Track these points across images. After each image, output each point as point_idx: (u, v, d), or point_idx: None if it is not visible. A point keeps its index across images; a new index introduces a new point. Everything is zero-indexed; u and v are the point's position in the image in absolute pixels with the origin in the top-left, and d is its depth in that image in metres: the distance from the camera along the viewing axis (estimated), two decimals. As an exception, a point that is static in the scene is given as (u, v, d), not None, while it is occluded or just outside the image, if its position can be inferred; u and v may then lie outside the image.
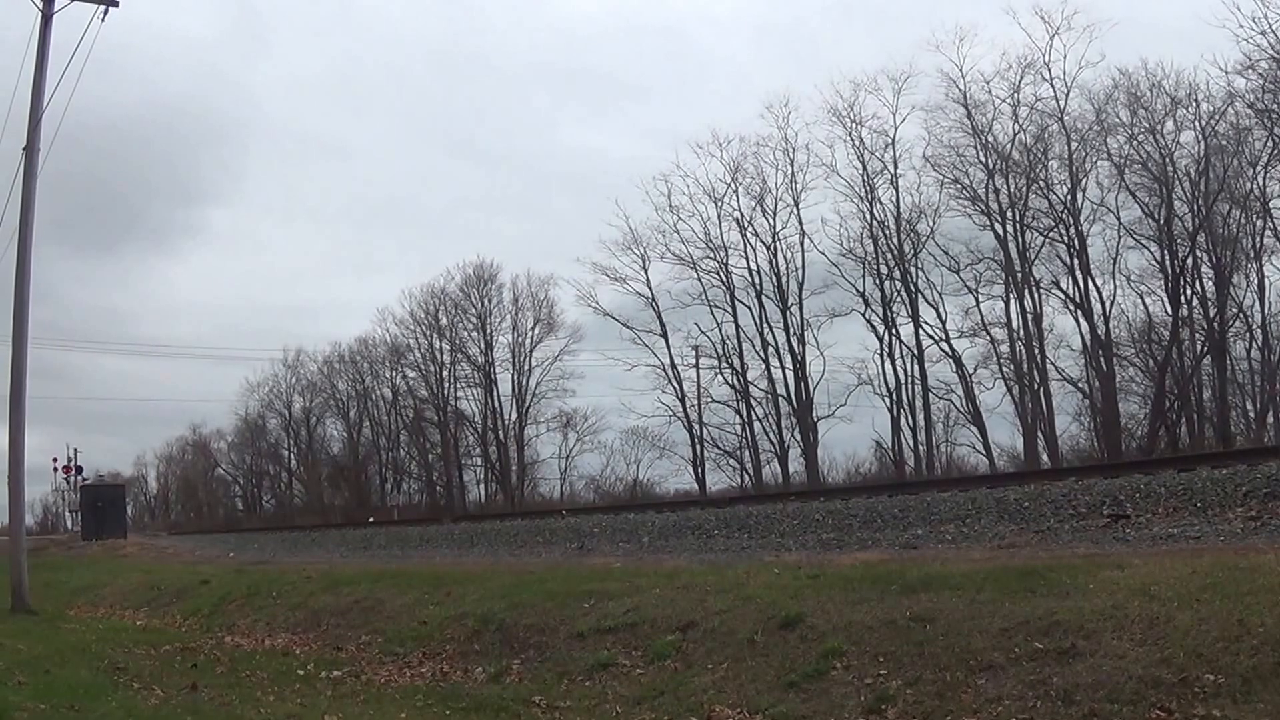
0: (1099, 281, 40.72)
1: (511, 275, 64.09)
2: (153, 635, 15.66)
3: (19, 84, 21.18)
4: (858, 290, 45.95)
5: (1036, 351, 42.14)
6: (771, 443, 49.29)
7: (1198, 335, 38.96)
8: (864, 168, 45.64)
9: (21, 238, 19.83)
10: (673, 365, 51.60)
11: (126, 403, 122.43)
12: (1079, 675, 6.86)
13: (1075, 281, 40.96)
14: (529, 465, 62.11)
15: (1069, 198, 40.75)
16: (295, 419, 78.90)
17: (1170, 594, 7.47)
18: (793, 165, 47.56)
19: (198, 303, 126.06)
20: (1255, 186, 37.24)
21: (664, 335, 51.28)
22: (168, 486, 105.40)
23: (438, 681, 10.88)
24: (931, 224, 44.36)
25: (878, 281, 45.43)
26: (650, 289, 51.07)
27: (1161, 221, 38.43)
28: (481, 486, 64.57)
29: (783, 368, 48.30)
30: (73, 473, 67.11)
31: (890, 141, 45.18)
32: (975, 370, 44.53)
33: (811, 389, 47.68)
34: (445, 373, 63.79)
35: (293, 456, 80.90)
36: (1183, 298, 38.58)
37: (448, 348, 63.39)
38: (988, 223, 42.30)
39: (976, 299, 43.64)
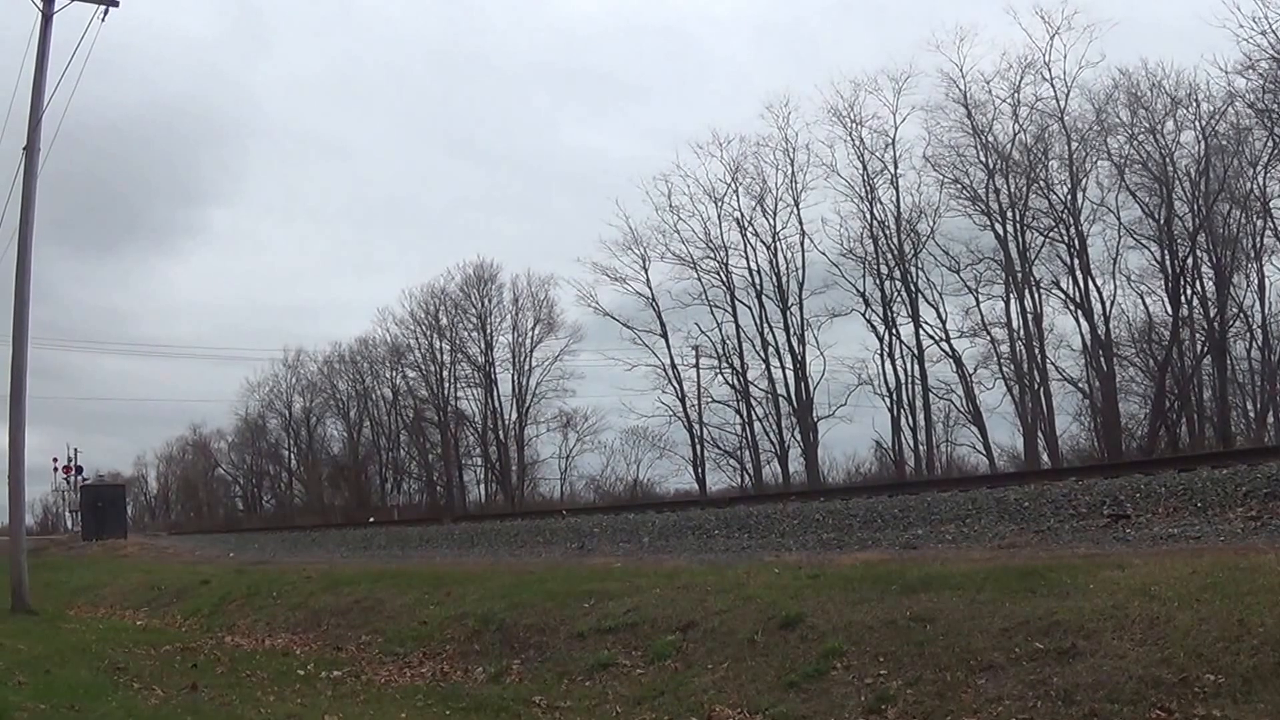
0: (1099, 281, 40.80)
1: (512, 275, 64.22)
2: (153, 635, 15.66)
3: (19, 84, 21.21)
4: (858, 290, 46.03)
5: (1037, 351, 42.14)
6: (771, 443, 49.35)
7: (1198, 335, 38.96)
8: (864, 168, 45.70)
9: (22, 238, 19.83)
10: (673, 365, 51.69)
11: (127, 403, 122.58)
12: (1079, 675, 6.86)
13: (1075, 281, 41.01)
14: (529, 465, 62.18)
15: (1069, 198, 40.78)
16: (295, 419, 78.98)
17: (1170, 594, 7.46)
18: (793, 165, 47.63)
19: (198, 303, 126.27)
20: (1255, 186, 37.27)
21: (664, 335, 51.36)
22: (168, 486, 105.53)
23: (438, 681, 10.88)
24: (932, 224, 44.44)
25: (878, 281, 45.49)
26: (650, 289, 51.16)
27: (1162, 221, 38.42)
28: (482, 486, 64.68)
29: (783, 368, 48.38)
30: (73, 473, 67.14)
31: (890, 141, 45.25)
32: (975, 370, 44.61)
33: (812, 389, 47.75)
34: (445, 373, 63.86)
35: (293, 456, 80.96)
36: (1183, 298, 38.59)
37: (448, 348, 63.46)
38: (988, 223, 42.34)
39: (977, 299, 43.72)
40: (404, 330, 65.71)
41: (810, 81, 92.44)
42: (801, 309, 47.69)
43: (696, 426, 51.72)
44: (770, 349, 48.50)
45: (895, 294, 45.34)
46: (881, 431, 47.06)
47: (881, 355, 45.93)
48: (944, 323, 44.57)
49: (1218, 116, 36.95)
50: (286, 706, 9.54)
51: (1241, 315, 38.87)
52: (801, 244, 47.60)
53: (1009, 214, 42.02)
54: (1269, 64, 33.46)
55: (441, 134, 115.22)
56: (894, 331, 45.58)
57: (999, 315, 43.22)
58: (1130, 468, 15.98)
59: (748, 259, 48.80)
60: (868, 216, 45.58)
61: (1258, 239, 38.39)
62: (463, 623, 12.56)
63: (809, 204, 48.32)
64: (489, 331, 61.41)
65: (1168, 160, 38.06)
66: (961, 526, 13.48)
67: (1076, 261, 40.76)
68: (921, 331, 44.86)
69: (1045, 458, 39.90)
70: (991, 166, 42.12)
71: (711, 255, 49.31)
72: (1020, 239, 42.08)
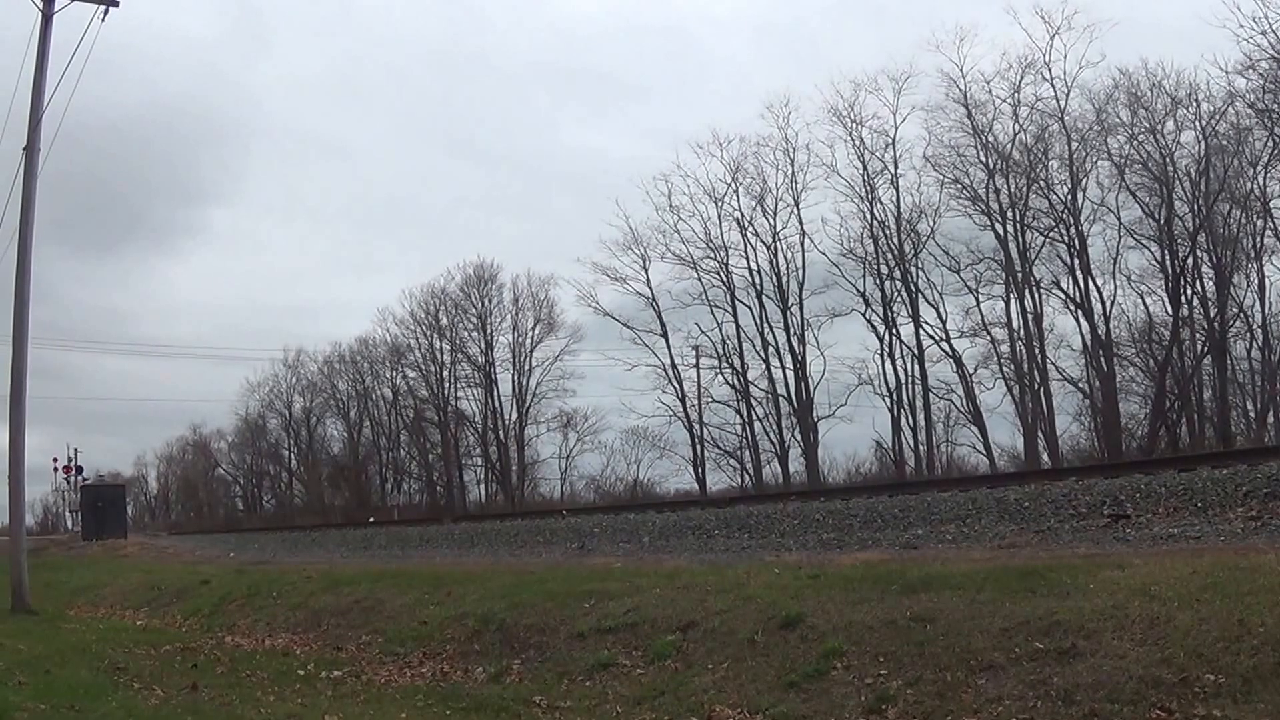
0: (1099, 281, 40.80)
1: (512, 275, 64.19)
2: (153, 635, 15.66)
3: (19, 84, 21.21)
4: (858, 290, 46.02)
5: (1037, 351, 42.14)
6: (772, 443, 49.33)
7: (1198, 335, 38.96)
8: (864, 168, 45.69)
9: (22, 238, 19.83)
10: (673, 365, 51.67)
11: (127, 403, 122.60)
12: (1079, 675, 6.86)
13: (1075, 281, 41.01)
14: (529, 465, 62.16)
15: (1069, 198, 40.77)
16: (295, 419, 78.97)
17: (1171, 594, 7.46)
18: (793, 165, 47.61)
19: (198, 303, 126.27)
20: (1255, 186, 37.26)
21: (664, 335, 51.34)
22: (168, 486, 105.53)
23: (438, 681, 10.88)
24: (932, 224, 44.43)
25: (878, 281, 45.48)
26: (650, 289, 51.14)
27: (1162, 221, 38.42)
28: (482, 486, 64.67)
29: (783, 368, 48.36)
30: (73, 473, 67.14)
31: (890, 141, 45.23)
32: (975, 370, 44.59)
33: (812, 389, 47.74)
34: (445, 373, 63.84)
35: (293, 456, 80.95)
36: (1183, 298, 38.58)
37: (448, 348, 63.44)
38: (988, 223, 42.33)
39: (977, 299, 43.71)
40: (404, 330, 65.80)
41: (810, 81, 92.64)
42: (802, 309, 47.78)
43: (696, 426, 51.80)
44: (770, 349, 48.55)
45: (895, 294, 45.40)
46: (882, 431, 47.14)
47: (882, 355, 46.00)
48: (944, 323, 44.64)
49: (1218, 116, 36.99)
50: (287, 706, 9.54)
51: (1242, 315, 38.90)
52: (801, 244, 47.68)
53: (1009, 214, 42.04)
54: (1269, 64, 33.49)
55: (442, 134, 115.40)
56: (894, 331, 45.63)
57: (999, 315, 43.30)
58: (1130, 468, 15.98)
59: (748, 259, 48.88)
60: (868, 216, 45.66)
61: (1258, 239, 38.44)
62: (463, 623, 12.56)
63: (809, 204, 48.40)
64: (489, 331, 61.49)
65: (1168, 160, 38.07)
66: (962, 526, 13.47)
67: (1077, 261, 40.80)
68: (922, 331, 44.94)
69: (1045, 458, 39.89)
70: (992, 166, 42.15)
71: (711, 255, 49.38)
72: (1020, 239, 42.11)
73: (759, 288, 48.39)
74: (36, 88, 19.88)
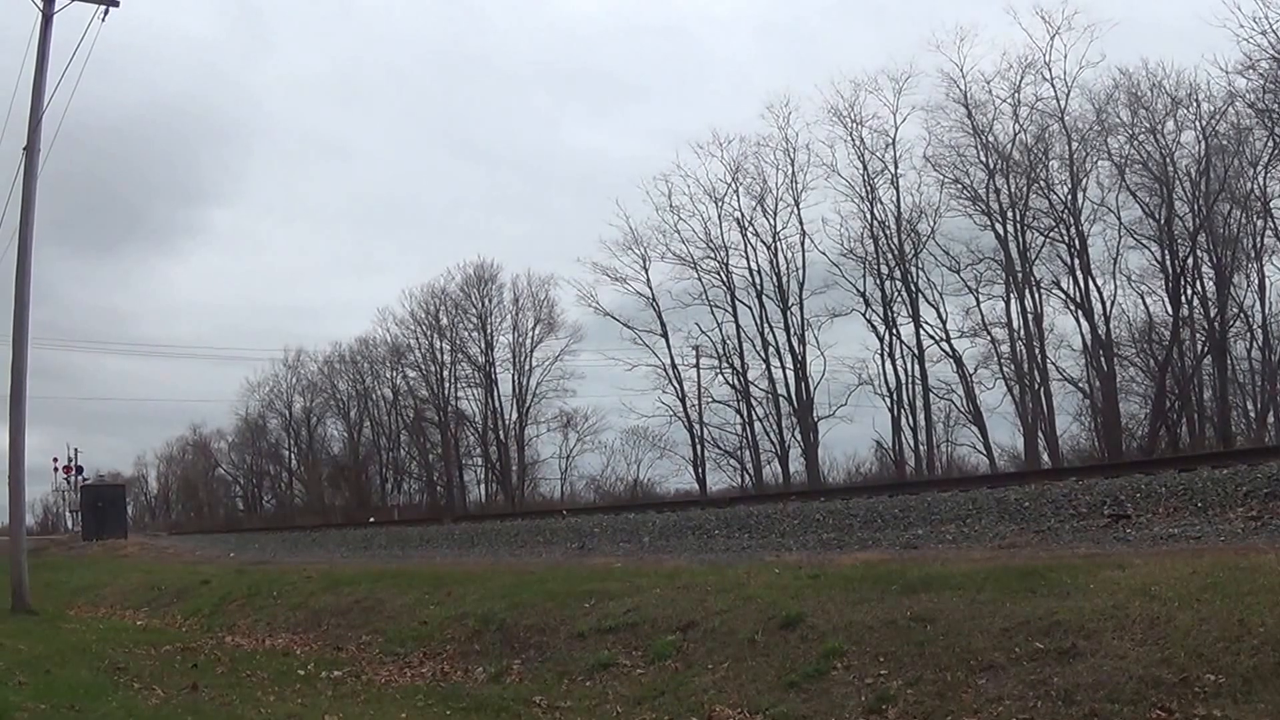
0: (1099, 281, 40.80)
1: (512, 275, 64.12)
2: (153, 635, 15.66)
3: (19, 84, 21.22)
4: (858, 290, 46.03)
5: (1037, 351, 42.14)
6: (772, 443, 49.34)
7: (1198, 335, 38.95)
8: (864, 168, 45.70)
9: (22, 238, 19.83)
10: (673, 365, 51.68)
11: (127, 403, 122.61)
12: (1079, 675, 6.86)
13: (1076, 281, 41.01)
14: (529, 465, 62.16)
15: (1069, 197, 40.78)
16: (296, 419, 78.96)
17: (1171, 594, 7.46)
18: (793, 165, 47.63)
19: (198, 303, 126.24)
20: (1256, 186, 37.26)
21: (664, 335, 51.35)
22: (168, 486, 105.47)
23: (438, 681, 10.88)
24: (932, 224, 44.44)
25: (878, 281, 45.48)
26: (651, 289, 51.16)
27: (1162, 221, 38.42)
28: (482, 486, 64.67)
29: (783, 368, 48.37)
30: (73, 473, 67.15)
31: (891, 141, 45.25)
32: (976, 370, 44.60)
33: (812, 389, 47.75)
34: (446, 373, 63.84)
35: (293, 456, 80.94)
36: (1183, 298, 38.58)
37: (448, 348, 63.45)
38: (988, 223, 42.33)
39: (977, 299, 43.71)
40: (404, 330, 65.81)
41: (811, 81, 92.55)
42: (802, 309, 47.79)
43: (697, 426, 51.79)
44: (770, 349, 48.56)
45: (895, 294, 45.41)
46: (882, 431, 47.14)
47: (882, 355, 46.01)
48: (944, 323, 44.66)
49: (1218, 116, 37.00)
50: (287, 706, 9.54)
51: (1242, 315, 38.90)
52: (802, 244, 47.70)
53: (1009, 214, 42.05)
54: (1269, 64, 33.50)
55: (442, 134, 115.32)
56: (894, 331, 45.64)
57: (999, 315, 43.31)
58: (1131, 468, 15.98)
59: (748, 259, 48.90)
60: (868, 216, 45.67)
61: (1258, 239, 38.44)
62: (463, 623, 12.56)
63: (809, 204, 48.39)
64: (489, 331, 61.49)
65: (1168, 160, 38.08)
66: (962, 526, 13.47)
67: (1077, 261, 40.80)
68: (922, 331, 44.96)
69: (1046, 458, 39.89)
70: (992, 166, 42.15)
71: (712, 255, 49.40)
72: (1020, 239, 42.12)
73: (759, 288, 48.48)
74: (36, 88, 19.88)
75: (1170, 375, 39.00)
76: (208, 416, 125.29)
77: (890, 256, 45.18)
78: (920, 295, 44.69)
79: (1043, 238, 41.67)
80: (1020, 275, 41.95)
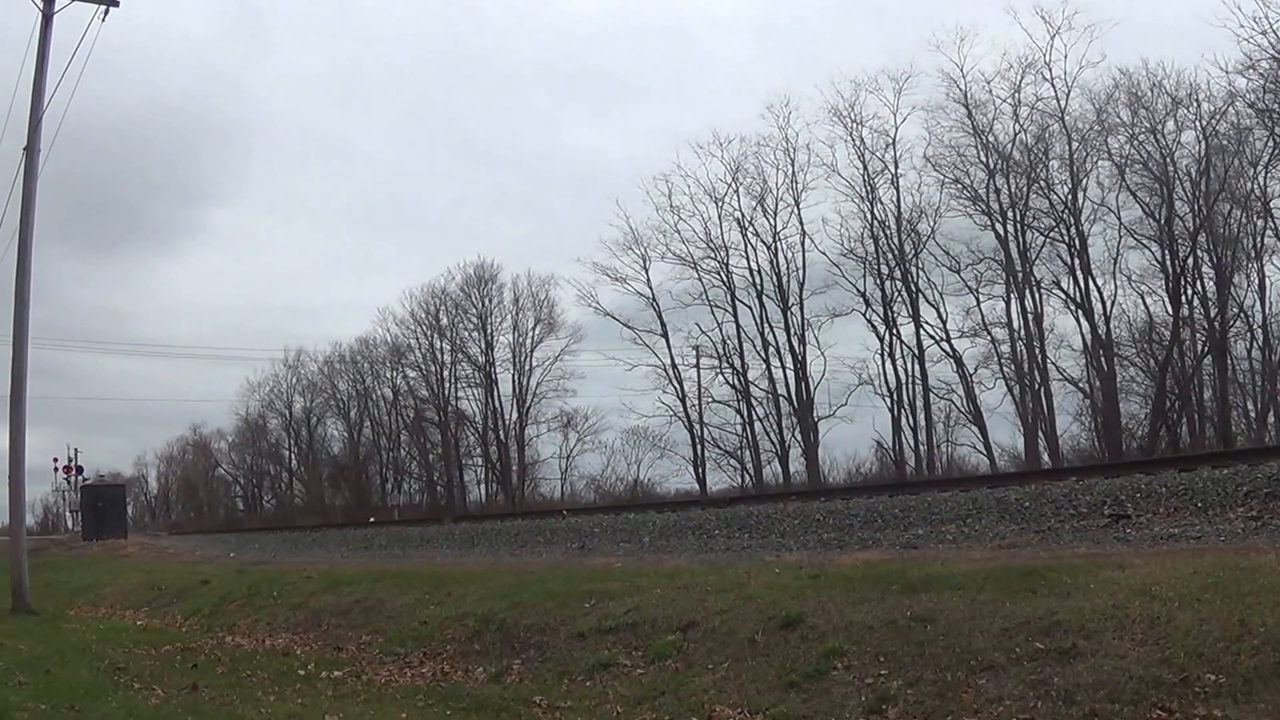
0: (1100, 281, 40.80)
1: (512, 275, 64.21)
2: (153, 635, 15.66)
3: (19, 84, 21.22)
4: (858, 290, 46.03)
5: (1037, 351, 42.13)
6: (772, 443, 49.33)
7: (1198, 335, 38.95)
8: (865, 167, 45.70)
9: (22, 238, 19.82)
10: (673, 365, 51.68)
11: (127, 403, 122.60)
12: (1080, 675, 6.85)
13: (1076, 281, 41.01)
14: (529, 465, 62.16)
15: (1070, 197, 40.77)
16: (296, 419, 78.97)
17: (1171, 594, 7.46)
18: (793, 165, 47.62)
19: (198, 303, 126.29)
20: (1256, 186, 37.25)
21: (665, 335, 51.35)
22: (168, 486, 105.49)
23: (438, 681, 10.88)
24: (932, 224, 44.43)
25: (878, 281, 45.47)
26: (651, 289, 51.16)
27: (1162, 221, 38.41)
28: (482, 486, 64.68)
29: (783, 368, 48.36)
30: (73, 473, 67.14)
31: (891, 141, 45.25)
32: (976, 370, 44.60)
33: (812, 389, 47.74)
34: (446, 373, 63.84)
35: (293, 456, 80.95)
36: (1183, 297, 38.57)
37: (448, 348, 63.45)
38: (988, 222, 42.32)
39: (977, 299, 43.71)
40: (404, 330, 65.84)
41: (811, 81, 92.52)
42: (802, 309, 47.78)
43: (697, 426, 51.79)
44: (771, 349, 48.55)
45: (896, 294, 45.41)
46: (882, 431, 47.13)
47: (882, 355, 46.00)
48: (944, 323, 44.65)
49: (1218, 116, 36.99)
50: (287, 706, 9.54)
51: (1242, 315, 38.88)
52: (802, 244, 47.70)
53: (1009, 214, 42.05)
54: (1269, 64, 33.49)
55: (442, 134, 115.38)
56: (894, 331, 45.64)
57: (999, 315, 43.31)
58: (1131, 468, 15.98)
59: (748, 259, 48.90)
60: (868, 216, 45.67)
61: (1258, 239, 38.42)
62: (463, 623, 12.55)
63: (809, 204, 48.39)
64: (489, 331, 61.51)
65: (1168, 160, 38.07)
66: (962, 526, 13.47)
67: (1077, 261, 40.80)
68: (922, 331, 44.95)
69: (1046, 458, 39.88)
70: (992, 166, 42.14)
71: (712, 255, 49.40)
72: (1021, 239, 42.12)
73: (759, 288, 48.48)
74: (36, 88, 19.88)
75: (1170, 375, 39.00)
76: (208, 416, 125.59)
77: (890, 256, 45.23)
78: (920, 295, 44.75)
79: (1043, 238, 41.72)
80: (1020, 275, 41.96)
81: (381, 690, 10.60)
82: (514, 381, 61.05)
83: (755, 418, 49.77)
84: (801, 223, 47.51)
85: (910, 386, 45.60)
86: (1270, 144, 35.63)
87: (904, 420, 45.67)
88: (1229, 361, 38.52)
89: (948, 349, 44.55)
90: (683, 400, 51.71)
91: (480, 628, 12.18)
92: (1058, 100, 40.58)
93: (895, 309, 45.42)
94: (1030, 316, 42.14)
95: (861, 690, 7.79)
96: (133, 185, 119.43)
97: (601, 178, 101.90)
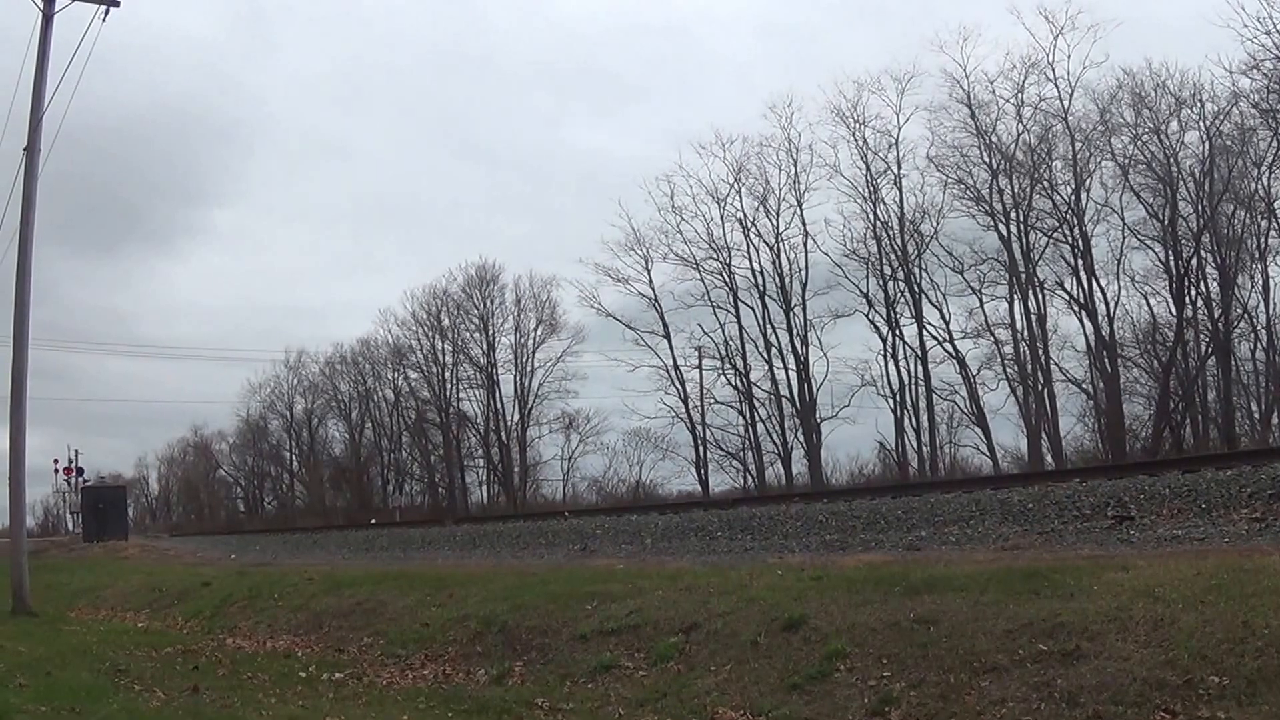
0: (1103, 282, 40.79)
1: (514, 276, 64.13)
2: (154, 637, 15.64)
3: (20, 84, 21.22)
4: (861, 291, 46.01)
5: (1040, 352, 42.12)
6: (774, 444, 49.31)
7: (1202, 336, 38.92)
8: (867, 168, 45.69)
9: (22, 238, 19.82)
10: (675, 366, 51.65)
11: (128, 404, 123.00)
12: (1083, 677, 6.83)
13: (1079, 282, 40.99)
14: (531, 467, 62.17)
15: (1073, 198, 40.75)
16: (297, 420, 79.10)
17: (1175, 596, 7.44)
18: (796, 165, 47.60)
19: (199, 303, 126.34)
20: (1260, 187, 37.23)
21: (667, 336, 51.32)
22: (169, 488, 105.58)
23: (440, 683, 10.85)
24: (935, 224, 44.40)
25: (881, 282, 45.47)
26: (653, 290, 51.13)
27: (1166, 222, 38.39)
28: (484, 488, 64.74)
29: (786, 369, 48.33)
30: (74, 474, 67.15)
31: (894, 142, 45.25)
32: (979, 371, 44.56)
33: (815, 390, 47.68)
34: (447, 374, 63.88)
35: (294, 458, 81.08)
36: (1187, 298, 38.56)
37: (450, 349, 63.51)
38: (991, 223, 42.31)
39: (980, 300, 43.69)
40: (406, 331, 65.88)
41: (813, 81, 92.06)
42: (804, 310, 47.72)
43: (699, 428, 51.77)
44: (773, 350, 48.54)
45: (898, 295, 45.38)
46: (885, 433, 47.10)
47: (885, 356, 45.97)
48: (947, 324, 44.66)
49: (1222, 117, 36.99)
50: (288, 709, 9.51)
51: (1246, 316, 38.81)
52: (804, 244, 47.66)
53: (1013, 214, 42.05)
54: (1273, 64, 33.51)
55: (443, 134, 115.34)
56: (897, 332, 45.62)
57: (1003, 316, 43.30)
58: (1134, 469, 15.96)
59: (750, 260, 48.89)
60: (871, 217, 45.67)
61: (1262, 239, 38.35)
62: (465, 624, 12.53)
63: (812, 204, 48.29)
64: (491, 332, 61.54)
65: (1172, 161, 38.04)
66: (965, 528, 13.45)
67: (1080, 262, 40.77)
68: (925, 332, 44.91)
69: (1049, 459, 39.84)
70: (995, 167, 42.15)
71: (714, 256, 49.39)
72: (1024, 239, 42.11)
73: (762, 288, 48.47)
74: (37, 88, 19.88)
75: (1174, 376, 38.96)
76: (209, 418, 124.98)
77: (893, 257, 45.22)
78: (923, 296, 44.71)
79: (1046, 238, 41.70)
80: (1024, 276, 41.93)
81: (383, 692, 10.57)
82: (516, 383, 61.19)
83: (757, 419, 49.82)
84: (804, 223, 47.58)
85: (913, 388, 45.67)
86: (1274, 144, 35.63)
87: (907, 421, 45.70)
88: (1233, 363, 38.49)
89: (950, 350, 44.64)
90: (685, 401, 51.73)
91: (482, 629, 12.15)
92: (1061, 100, 40.65)
93: (898, 310, 45.48)
94: (1033, 317, 42.15)
95: (864, 692, 7.77)
96: (133, 185, 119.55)
97: (603, 178, 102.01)
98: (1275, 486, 11.33)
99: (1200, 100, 37.38)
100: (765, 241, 48.45)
